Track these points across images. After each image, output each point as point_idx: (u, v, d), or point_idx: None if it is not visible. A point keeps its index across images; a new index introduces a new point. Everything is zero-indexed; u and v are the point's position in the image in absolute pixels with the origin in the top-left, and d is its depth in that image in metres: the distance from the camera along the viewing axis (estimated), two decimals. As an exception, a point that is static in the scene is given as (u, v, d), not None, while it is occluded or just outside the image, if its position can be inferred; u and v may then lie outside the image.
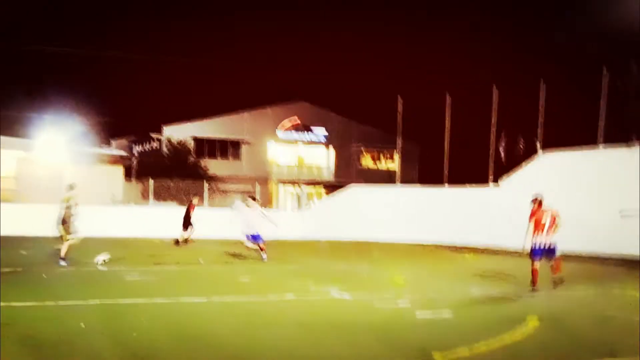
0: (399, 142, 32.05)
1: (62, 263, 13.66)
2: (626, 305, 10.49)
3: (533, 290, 11.98)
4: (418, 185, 33.12)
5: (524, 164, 26.98)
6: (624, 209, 19.08)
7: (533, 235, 12.51)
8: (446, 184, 28.86)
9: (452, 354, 6.51)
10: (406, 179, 33.93)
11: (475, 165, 30.89)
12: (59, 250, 13.78)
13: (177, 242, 21.02)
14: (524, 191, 24.41)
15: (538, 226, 12.58)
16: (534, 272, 12.28)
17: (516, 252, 21.69)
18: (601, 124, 24.24)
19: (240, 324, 8.09)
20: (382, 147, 47.14)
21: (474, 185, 27.89)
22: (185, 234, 21.23)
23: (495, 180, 27.05)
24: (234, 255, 17.43)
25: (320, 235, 26.35)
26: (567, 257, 16.62)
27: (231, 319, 8.44)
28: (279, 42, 74.51)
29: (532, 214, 12.78)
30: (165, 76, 64.57)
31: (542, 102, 26.11)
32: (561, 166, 24.04)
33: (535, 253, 12.40)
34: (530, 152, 26.93)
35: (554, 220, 12.66)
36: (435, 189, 28.77)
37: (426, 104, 39.05)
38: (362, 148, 48.59)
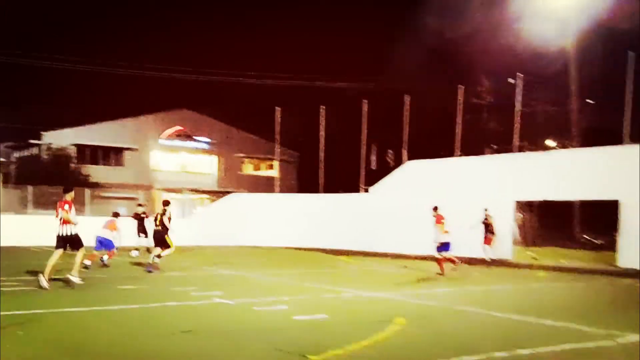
0: (278, 150, 32.25)
1: None
2: (485, 301, 11.14)
3: (441, 274, 15.38)
4: (296, 193, 33.47)
5: (392, 172, 28.04)
6: (473, 223, 20.44)
7: (441, 235, 15.87)
8: (322, 192, 29.40)
9: (326, 355, 6.59)
10: (286, 186, 34.19)
11: (348, 173, 31.69)
12: None
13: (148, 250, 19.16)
14: (391, 197, 25.58)
15: (441, 228, 15.89)
16: (443, 260, 15.79)
17: (386, 254, 22.70)
18: (458, 136, 25.71)
19: (122, 333, 7.76)
20: (264, 155, 47.17)
21: (347, 192, 28.58)
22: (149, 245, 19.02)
23: (367, 188, 27.88)
24: (117, 264, 16.75)
25: (204, 241, 25.94)
26: (429, 257, 17.49)
27: (112, 328, 8.08)
28: (162, 48, 72.60)
29: (439, 219, 16.01)
30: (45, 81, 60.97)
31: (406, 115, 27.24)
32: (424, 173, 25.20)
33: (441, 247, 15.88)
34: (398, 162, 28.03)
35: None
36: (312, 196, 29.22)
37: (303, 115, 39.54)
38: (245, 156, 48.36)
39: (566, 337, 7.69)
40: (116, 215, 17.42)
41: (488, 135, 37.74)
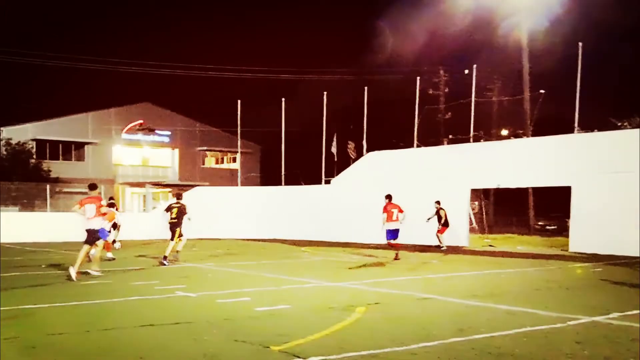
0: (240, 143, 32.00)
1: None
2: (443, 288, 11.25)
3: (395, 259, 16.40)
4: (259, 185, 33.30)
5: (353, 163, 28.13)
6: (430, 216, 20.82)
7: (387, 222, 16.85)
8: (284, 184, 29.29)
9: (289, 345, 6.55)
10: (248, 180, 33.96)
11: (310, 165, 31.65)
12: None
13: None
14: (352, 188, 25.68)
15: (390, 216, 16.86)
16: (393, 246, 17.00)
17: (348, 244, 22.78)
18: (416, 127, 25.90)
19: (80, 329, 7.56)
20: (226, 148, 46.77)
21: (309, 184, 28.56)
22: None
23: (328, 179, 27.90)
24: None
25: (167, 235, 25.60)
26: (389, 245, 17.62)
27: (71, 324, 7.87)
28: (122, 43, 71.22)
29: (385, 207, 16.89)
30: (3, 76, 59.27)
31: (366, 108, 27.31)
32: (384, 164, 25.37)
33: (388, 235, 17.02)
34: (359, 153, 28.10)
35: (400, 211, 16.98)
36: (275, 188, 29.09)
37: (265, 107, 39.21)
38: (206, 149, 47.89)
39: (522, 322, 7.80)
40: (112, 205, 17.73)
41: (445, 126, 38.22)
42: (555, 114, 28.29)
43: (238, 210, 28.17)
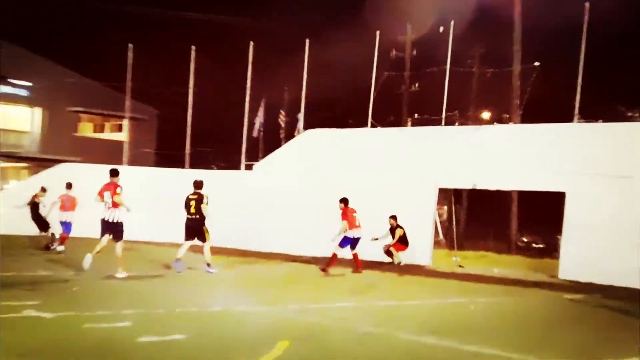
0: (129, 105, 31.41)
1: None
2: (395, 319, 11.42)
3: (324, 271, 18.01)
4: (153, 166, 32.84)
5: (285, 143, 28.11)
6: (380, 235, 21.36)
7: (348, 230, 18.26)
8: (188, 166, 28.96)
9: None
10: (139, 157, 33.44)
11: (226, 142, 31.39)
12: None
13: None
14: (283, 177, 25.65)
15: (352, 222, 18.36)
16: (333, 257, 18.25)
17: (273, 254, 22.77)
18: (372, 99, 26.11)
19: None
20: (109, 111, 45.81)
21: (223, 168, 28.36)
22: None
23: (250, 163, 27.78)
24: None
25: (18, 229, 24.87)
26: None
27: None
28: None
29: (344, 213, 18.40)
30: None
31: (306, 68, 27.22)
32: (326, 147, 25.46)
33: (344, 243, 18.35)
34: (293, 129, 28.11)
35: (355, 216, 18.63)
36: (175, 172, 28.67)
37: (167, 56, 38.56)
38: (82, 111, 46.85)
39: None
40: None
41: (410, 101, 38.68)
42: (551, 95, 29.07)
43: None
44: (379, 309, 13.02)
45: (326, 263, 18.52)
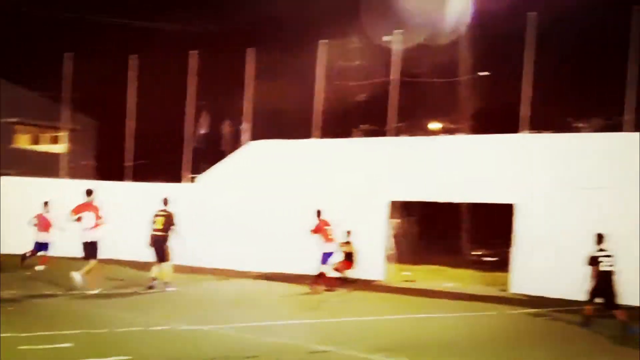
0: (68, 115, 30.97)
1: None
2: (345, 337, 11.44)
3: (314, 290, 18.20)
4: (93, 179, 32.39)
5: (229, 155, 27.97)
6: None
7: (323, 244, 18.59)
8: (130, 179, 28.65)
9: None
10: (77, 170, 32.95)
11: (168, 154, 31.13)
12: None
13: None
14: (226, 189, 25.48)
15: (326, 236, 18.69)
16: (320, 276, 18.56)
17: (218, 271, 22.57)
18: (318, 109, 26.16)
19: None
20: (46, 122, 45.12)
21: (165, 181, 28.06)
22: None
23: (193, 176, 27.60)
24: None
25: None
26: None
27: None
28: None
29: (318, 226, 18.78)
30: None
31: (250, 76, 27.19)
32: (272, 158, 25.42)
33: (324, 259, 18.69)
34: (238, 141, 28.00)
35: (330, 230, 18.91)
36: (116, 185, 28.30)
37: (107, 66, 38.08)
38: (17, 122, 46.13)
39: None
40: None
41: (358, 112, 38.86)
42: (500, 106, 29.46)
43: (59, 213, 27.18)
44: (329, 326, 13.04)
45: (314, 282, 18.84)
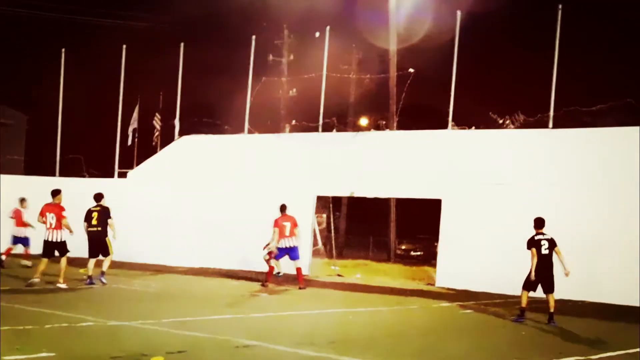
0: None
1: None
2: (271, 331, 11.45)
3: (263, 285, 18.27)
4: (22, 174, 31.79)
5: (160, 150, 27.73)
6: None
7: (279, 239, 18.30)
8: (59, 175, 28.16)
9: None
10: (7, 164, 32.22)
11: (98, 149, 30.71)
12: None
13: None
14: (158, 185, 25.23)
15: (282, 231, 18.28)
16: (270, 270, 18.55)
17: (147, 266, 22.34)
18: (248, 104, 26.05)
19: None
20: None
21: (95, 177, 27.66)
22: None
23: (124, 171, 27.25)
24: None
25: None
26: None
27: None
28: None
29: (276, 221, 18.40)
30: None
31: (181, 71, 26.94)
32: (203, 153, 25.27)
33: (278, 255, 18.58)
34: (170, 135, 27.71)
35: (294, 225, 18.53)
36: (45, 180, 27.71)
37: (35, 59, 37.23)
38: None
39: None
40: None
41: (288, 107, 38.90)
42: (426, 102, 29.80)
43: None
44: (257, 320, 13.06)
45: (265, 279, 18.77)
